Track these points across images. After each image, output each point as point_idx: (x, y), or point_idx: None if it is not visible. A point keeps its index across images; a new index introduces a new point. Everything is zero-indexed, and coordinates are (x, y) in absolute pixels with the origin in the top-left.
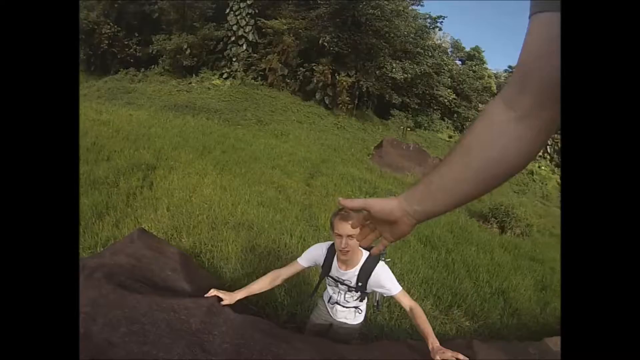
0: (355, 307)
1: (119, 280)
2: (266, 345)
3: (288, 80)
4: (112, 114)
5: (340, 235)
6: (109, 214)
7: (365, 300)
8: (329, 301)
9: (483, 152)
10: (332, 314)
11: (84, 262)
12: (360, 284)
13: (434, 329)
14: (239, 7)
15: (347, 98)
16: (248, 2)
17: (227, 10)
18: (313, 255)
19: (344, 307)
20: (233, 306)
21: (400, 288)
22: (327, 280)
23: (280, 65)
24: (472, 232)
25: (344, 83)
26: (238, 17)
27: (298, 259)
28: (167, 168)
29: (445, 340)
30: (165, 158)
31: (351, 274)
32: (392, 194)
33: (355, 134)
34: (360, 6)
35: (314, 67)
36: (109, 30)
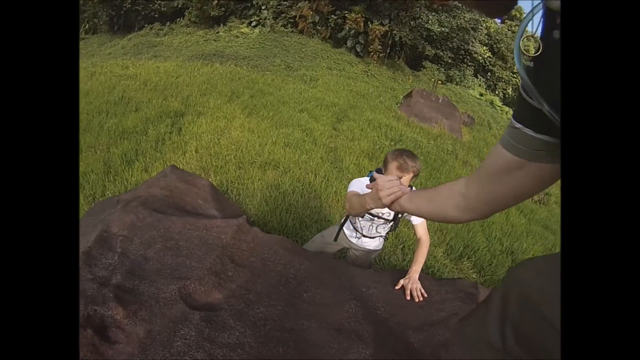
0: (381, 235)
1: (154, 207)
2: (290, 261)
3: (319, 28)
4: (139, 67)
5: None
6: (138, 160)
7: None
8: (354, 236)
9: (435, 200)
10: (355, 244)
11: (119, 197)
12: (399, 215)
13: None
14: None
15: (379, 47)
16: None
17: None
18: (362, 188)
19: (370, 237)
20: (261, 227)
21: (423, 219)
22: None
23: (311, 12)
24: None
25: (377, 31)
26: None
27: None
28: (196, 114)
29: (452, 279)
30: (193, 104)
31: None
32: (417, 142)
33: (385, 82)
34: None
35: (346, 15)
36: None
